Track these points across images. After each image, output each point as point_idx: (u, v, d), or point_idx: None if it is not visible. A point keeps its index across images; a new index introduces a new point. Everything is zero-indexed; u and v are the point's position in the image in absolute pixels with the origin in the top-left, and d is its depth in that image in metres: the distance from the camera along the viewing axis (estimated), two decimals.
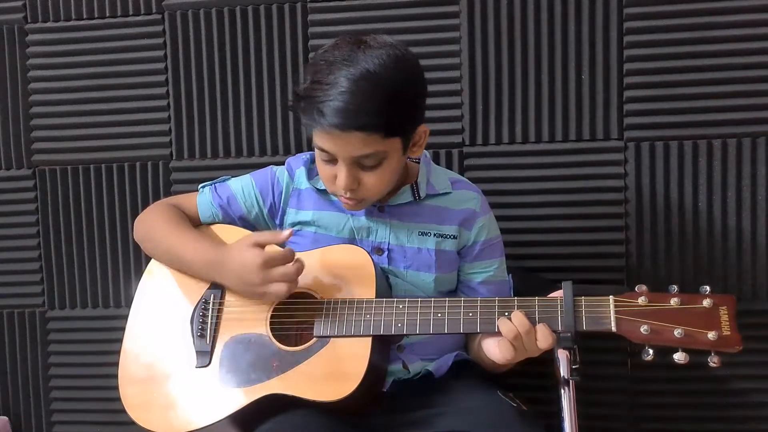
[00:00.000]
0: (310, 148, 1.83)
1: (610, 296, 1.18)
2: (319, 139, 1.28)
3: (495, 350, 1.24)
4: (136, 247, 1.52)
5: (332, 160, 1.30)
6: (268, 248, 1.31)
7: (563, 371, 1.35)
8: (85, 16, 1.95)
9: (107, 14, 1.94)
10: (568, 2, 1.76)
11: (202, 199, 1.49)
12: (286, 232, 1.33)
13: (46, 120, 1.99)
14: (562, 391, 1.36)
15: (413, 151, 1.37)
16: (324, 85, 1.23)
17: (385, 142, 1.26)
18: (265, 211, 1.47)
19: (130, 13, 1.93)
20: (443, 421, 1.29)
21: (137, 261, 1.95)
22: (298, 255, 1.40)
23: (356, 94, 1.22)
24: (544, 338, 1.19)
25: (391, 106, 1.24)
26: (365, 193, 1.33)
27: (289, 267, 1.28)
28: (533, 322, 1.20)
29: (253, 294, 1.32)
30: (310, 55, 1.85)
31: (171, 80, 1.93)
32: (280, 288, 1.28)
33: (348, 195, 1.32)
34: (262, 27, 1.88)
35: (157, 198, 1.92)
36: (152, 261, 1.49)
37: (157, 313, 1.44)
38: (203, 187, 1.51)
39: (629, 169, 1.77)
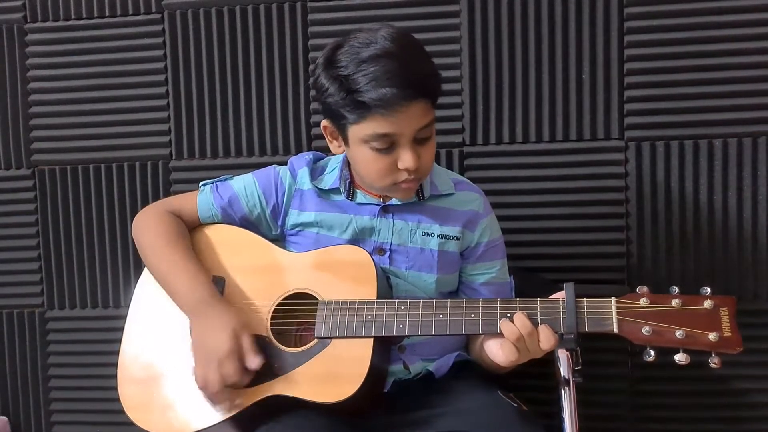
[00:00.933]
0: (310, 148, 1.85)
1: (612, 298, 1.18)
2: (377, 126, 1.25)
3: (498, 352, 1.23)
4: (136, 247, 1.51)
5: (389, 147, 1.27)
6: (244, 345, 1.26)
7: (564, 371, 1.35)
8: (85, 16, 1.95)
9: (107, 14, 1.94)
10: (568, 2, 1.76)
11: (203, 199, 1.48)
12: (256, 363, 1.26)
13: (46, 120, 1.99)
14: (563, 391, 1.36)
15: None
16: (370, 69, 1.22)
17: (432, 110, 1.30)
18: (268, 211, 1.46)
19: (130, 13, 1.93)
20: (443, 421, 1.28)
21: (137, 261, 1.93)
22: (297, 254, 1.40)
23: (411, 63, 1.25)
24: (546, 339, 1.19)
25: (434, 70, 1.31)
26: (423, 170, 1.32)
27: (232, 377, 1.25)
28: (535, 324, 1.20)
29: (198, 361, 1.28)
30: (311, 66, 1.85)
31: (171, 80, 1.93)
32: (213, 383, 1.25)
33: (413, 176, 1.30)
34: (262, 27, 1.88)
35: (156, 198, 1.92)
36: None
37: (156, 314, 1.43)
38: (204, 185, 1.50)
39: (630, 168, 1.77)
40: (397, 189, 1.35)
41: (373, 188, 1.40)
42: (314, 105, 1.86)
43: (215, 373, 1.25)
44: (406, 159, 1.27)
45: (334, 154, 1.44)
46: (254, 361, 1.25)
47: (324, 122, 1.36)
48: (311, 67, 1.84)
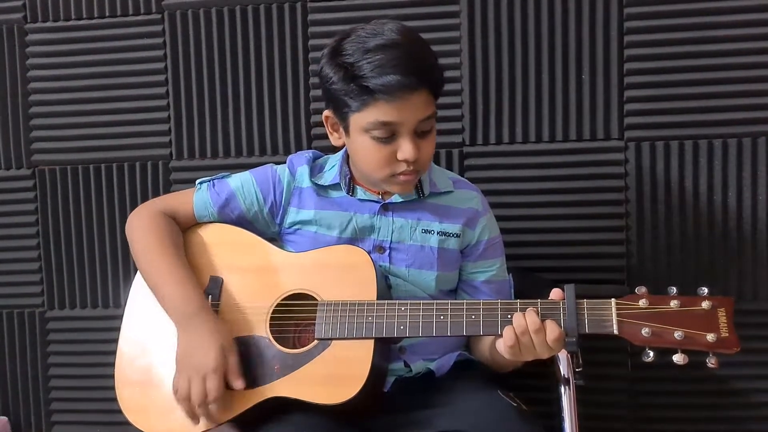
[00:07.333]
0: (310, 148, 1.85)
1: (612, 299, 1.19)
2: (380, 113, 1.25)
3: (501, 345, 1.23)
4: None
5: (390, 136, 1.28)
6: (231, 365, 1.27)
7: (564, 370, 1.35)
8: (85, 16, 1.95)
9: (107, 14, 1.94)
10: (568, 2, 1.76)
11: (199, 197, 1.47)
12: (240, 385, 1.27)
13: (46, 120, 1.99)
14: (563, 390, 1.37)
15: None
16: (375, 57, 1.24)
17: (434, 104, 1.31)
18: (266, 209, 1.46)
19: (130, 13, 1.93)
20: (443, 420, 1.28)
21: None
22: (296, 254, 1.40)
23: (416, 54, 1.27)
24: (552, 331, 1.17)
25: (438, 63, 1.33)
26: (422, 163, 1.33)
27: (213, 393, 1.25)
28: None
29: (182, 372, 1.28)
30: (311, 55, 1.85)
31: (171, 80, 1.93)
32: (196, 396, 1.25)
33: (411, 168, 1.31)
34: (262, 27, 1.88)
35: None
36: None
37: (152, 314, 1.41)
38: (201, 183, 1.49)
39: (629, 169, 1.77)
40: (394, 181, 1.34)
41: (371, 181, 1.40)
42: (314, 105, 1.86)
43: (199, 387, 1.25)
44: (406, 149, 1.28)
45: (335, 152, 1.44)
46: (238, 383, 1.26)
47: (326, 112, 1.36)
48: (312, 67, 1.84)
